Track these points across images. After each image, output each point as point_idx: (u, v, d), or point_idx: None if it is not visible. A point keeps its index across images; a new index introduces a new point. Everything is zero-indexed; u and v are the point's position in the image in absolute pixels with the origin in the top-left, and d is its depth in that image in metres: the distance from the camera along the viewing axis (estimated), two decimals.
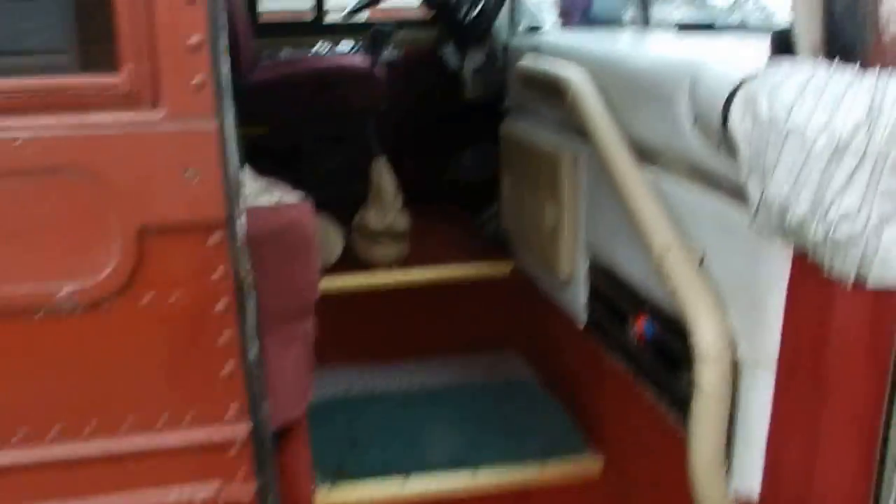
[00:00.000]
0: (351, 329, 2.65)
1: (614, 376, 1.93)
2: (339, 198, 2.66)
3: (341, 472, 2.01)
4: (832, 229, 1.14)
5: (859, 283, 1.15)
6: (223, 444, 1.18)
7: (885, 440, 1.19)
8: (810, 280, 1.24)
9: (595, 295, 2.06)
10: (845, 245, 1.14)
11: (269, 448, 1.21)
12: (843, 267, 1.15)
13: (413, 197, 2.83)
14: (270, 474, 1.21)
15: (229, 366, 1.15)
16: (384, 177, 2.79)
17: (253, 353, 1.15)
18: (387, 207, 2.75)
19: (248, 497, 1.19)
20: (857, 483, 1.23)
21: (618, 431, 1.98)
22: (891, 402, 1.18)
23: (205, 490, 1.18)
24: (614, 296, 1.94)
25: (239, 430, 1.18)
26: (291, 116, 2.96)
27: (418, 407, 2.32)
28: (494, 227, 2.85)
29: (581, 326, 2.13)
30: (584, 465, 2.05)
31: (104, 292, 1.09)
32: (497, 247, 2.79)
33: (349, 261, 2.75)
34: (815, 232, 1.16)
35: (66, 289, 1.08)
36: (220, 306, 1.12)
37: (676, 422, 1.63)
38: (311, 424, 1.56)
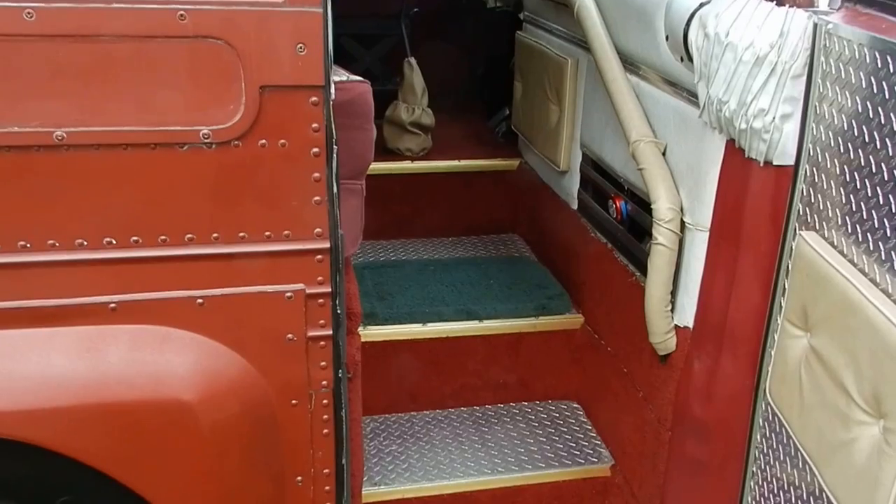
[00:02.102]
0: (377, 209, 3.04)
1: (596, 248, 2.38)
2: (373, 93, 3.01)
3: (373, 316, 2.42)
4: (751, 122, 1.55)
5: (767, 163, 1.57)
6: (310, 254, 1.56)
7: (776, 281, 1.61)
8: (736, 161, 1.65)
9: (585, 183, 2.51)
10: (759, 134, 1.55)
11: (339, 263, 1.60)
12: (757, 150, 1.57)
13: (437, 96, 3.15)
14: (340, 281, 1.61)
15: (318, 196, 1.52)
16: (414, 75, 3.11)
17: (335, 188, 1.54)
18: (415, 103, 3.09)
19: (323, 296, 1.60)
20: (758, 311, 1.65)
21: (596, 292, 2.41)
22: (782, 252, 1.59)
23: (294, 287, 1.58)
24: (599, 183, 2.38)
25: (321, 245, 1.56)
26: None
27: (435, 273, 2.70)
28: (505, 128, 3.25)
29: (574, 209, 2.58)
30: (569, 320, 2.48)
31: (233, 134, 1.47)
32: (506, 145, 3.20)
33: (378, 149, 3.12)
34: (739, 123, 1.58)
35: (205, 130, 1.46)
36: (314, 151, 1.50)
37: (639, 279, 2.09)
38: None
